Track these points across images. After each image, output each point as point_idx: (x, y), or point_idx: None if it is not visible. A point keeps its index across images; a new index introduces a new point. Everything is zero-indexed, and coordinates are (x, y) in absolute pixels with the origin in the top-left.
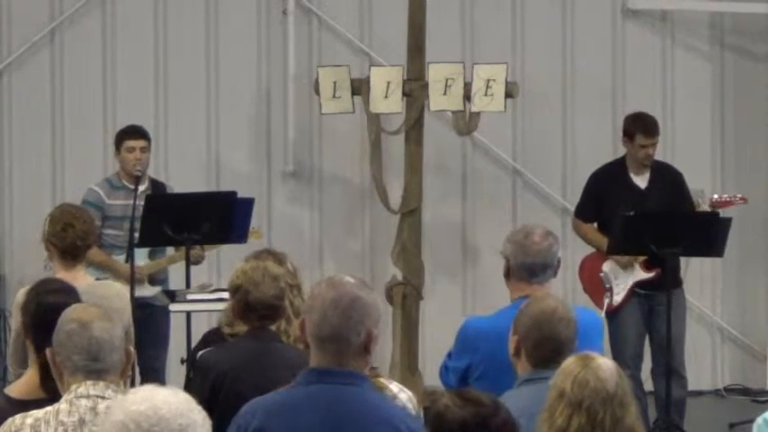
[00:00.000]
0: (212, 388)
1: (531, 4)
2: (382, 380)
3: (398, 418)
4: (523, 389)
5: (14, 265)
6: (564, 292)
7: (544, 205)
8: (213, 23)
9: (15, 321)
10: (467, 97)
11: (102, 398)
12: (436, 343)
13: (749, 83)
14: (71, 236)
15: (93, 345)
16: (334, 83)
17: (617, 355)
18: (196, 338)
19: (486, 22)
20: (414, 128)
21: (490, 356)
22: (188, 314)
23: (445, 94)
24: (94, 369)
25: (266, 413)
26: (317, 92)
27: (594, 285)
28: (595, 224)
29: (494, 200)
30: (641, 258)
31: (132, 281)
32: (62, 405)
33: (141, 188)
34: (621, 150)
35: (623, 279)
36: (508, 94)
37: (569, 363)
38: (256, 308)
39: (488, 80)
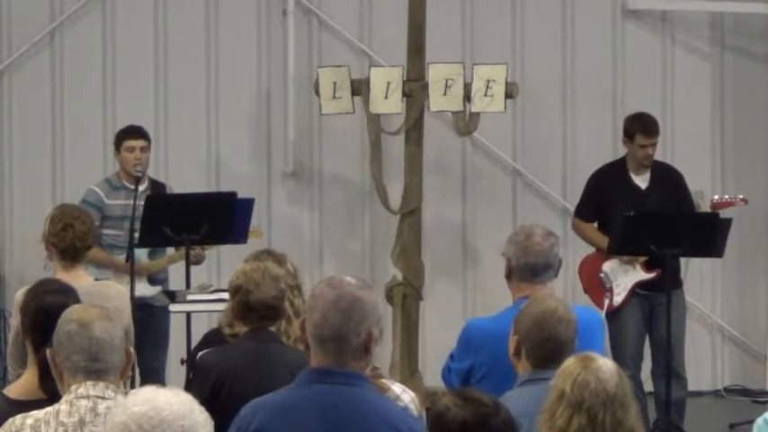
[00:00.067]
0: (212, 389)
1: (531, 4)
2: (384, 381)
3: (399, 419)
4: (524, 389)
5: (14, 265)
6: (564, 292)
7: (544, 205)
8: (213, 23)
9: (14, 321)
10: (467, 98)
11: (103, 398)
12: (436, 344)
13: (749, 83)
14: (71, 236)
15: (93, 345)
16: (334, 83)
17: (617, 356)
18: (196, 339)
19: (486, 23)
20: (414, 128)
21: (493, 358)
22: (188, 314)
23: (445, 94)
24: (94, 369)
25: (266, 414)
26: (317, 92)
27: (594, 285)
28: (595, 224)
29: (494, 200)
30: (642, 259)
31: (132, 281)
32: (62, 406)
33: (141, 188)
34: (621, 150)
35: (623, 279)
36: (508, 95)
37: (569, 363)
38: (256, 308)
39: (488, 80)
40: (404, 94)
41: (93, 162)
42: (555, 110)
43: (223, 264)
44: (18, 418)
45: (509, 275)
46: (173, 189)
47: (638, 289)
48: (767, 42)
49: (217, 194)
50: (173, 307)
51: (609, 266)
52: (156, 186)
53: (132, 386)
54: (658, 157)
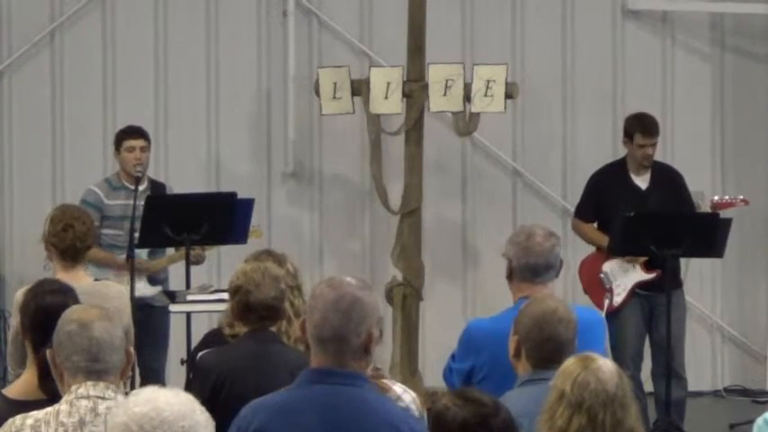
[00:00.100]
0: (213, 389)
1: (531, 5)
2: (386, 381)
3: (400, 419)
4: (524, 389)
5: (14, 265)
6: (564, 292)
7: (544, 206)
8: (213, 24)
9: (14, 321)
10: (467, 98)
11: (103, 398)
12: (436, 344)
13: (749, 83)
14: (70, 236)
15: (93, 345)
16: (335, 83)
17: (617, 356)
18: (196, 339)
19: (486, 23)
20: (414, 128)
21: (494, 358)
22: (188, 314)
23: (445, 94)
24: (95, 370)
25: (266, 414)
26: (318, 93)
27: (594, 286)
28: (595, 224)
29: (494, 200)
30: (642, 259)
31: (132, 281)
32: (62, 406)
33: (140, 188)
34: (621, 151)
35: (623, 280)
36: (508, 95)
37: (569, 364)
38: (256, 309)
39: (488, 81)
40: (404, 95)
41: (93, 162)
42: (555, 110)
43: (223, 264)
44: (18, 419)
45: (510, 276)
46: (173, 189)
47: (638, 289)
48: (767, 43)
49: (217, 194)
50: (173, 307)
51: (609, 267)
52: (156, 186)
53: (132, 386)
54: (658, 157)
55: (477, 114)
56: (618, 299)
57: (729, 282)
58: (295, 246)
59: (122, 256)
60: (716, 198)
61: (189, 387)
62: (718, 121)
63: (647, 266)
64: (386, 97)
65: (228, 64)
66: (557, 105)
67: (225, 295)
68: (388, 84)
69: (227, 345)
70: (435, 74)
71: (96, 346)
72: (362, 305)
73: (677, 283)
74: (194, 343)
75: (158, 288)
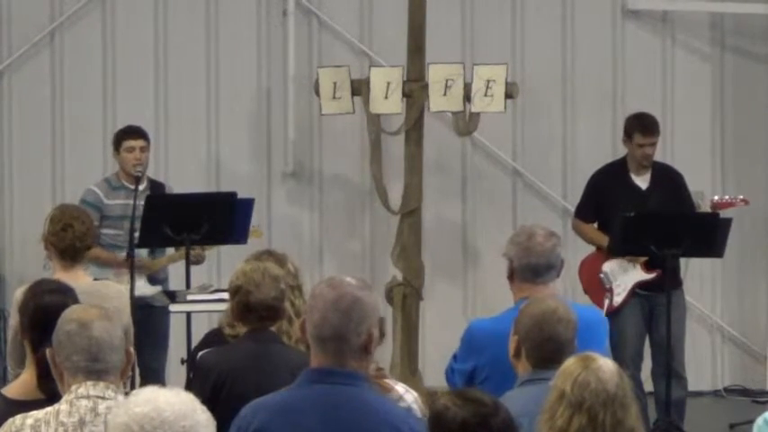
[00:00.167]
0: (213, 389)
1: (531, 4)
2: (388, 381)
3: (400, 419)
4: (523, 389)
5: (14, 265)
6: (564, 292)
7: (544, 206)
8: (213, 24)
9: (13, 321)
10: (467, 98)
11: (103, 398)
12: (436, 344)
13: (749, 83)
14: (70, 236)
15: (93, 345)
16: (334, 83)
17: (617, 356)
18: (196, 339)
19: (486, 23)
20: (414, 128)
21: (495, 359)
22: (188, 314)
23: (445, 94)
24: (95, 369)
25: (267, 414)
26: (317, 92)
27: (594, 286)
28: (595, 224)
29: (494, 200)
30: (642, 259)
31: (132, 281)
32: (62, 406)
33: (140, 188)
34: (621, 151)
35: (623, 280)
36: (508, 95)
37: (570, 364)
38: (256, 309)
39: (488, 81)
40: (404, 95)
41: (93, 162)
42: (555, 110)
43: (223, 264)
44: (18, 418)
45: (511, 276)
46: (173, 189)
47: (638, 289)
48: (767, 43)
49: (217, 194)
50: (173, 307)
51: (609, 267)
52: (155, 186)
53: (132, 386)
54: (658, 157)
55: (477, 114)
56: (618, 299)
57: (729, 282)
58: (295, 246)
59: (123, 255)
60: (716, 198)
61: (189, 387)
62: (718, 121)
63: (647, 266)
64: (386, 97)
65: (228, 64)
66: (557, 105)
67: (225, 295)
68: (388, 84)
69: (228, 344)
70: (435, 74)
71: (96, 346)
72: (362, 305)
73: (677, 283)
74: (194, 343)
75: (158, 288)
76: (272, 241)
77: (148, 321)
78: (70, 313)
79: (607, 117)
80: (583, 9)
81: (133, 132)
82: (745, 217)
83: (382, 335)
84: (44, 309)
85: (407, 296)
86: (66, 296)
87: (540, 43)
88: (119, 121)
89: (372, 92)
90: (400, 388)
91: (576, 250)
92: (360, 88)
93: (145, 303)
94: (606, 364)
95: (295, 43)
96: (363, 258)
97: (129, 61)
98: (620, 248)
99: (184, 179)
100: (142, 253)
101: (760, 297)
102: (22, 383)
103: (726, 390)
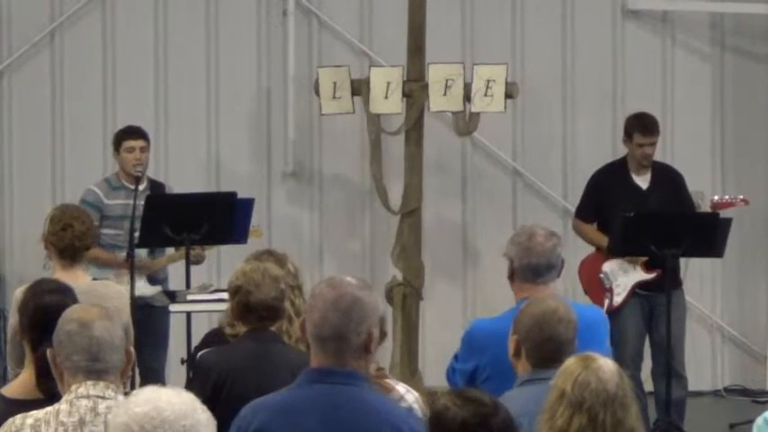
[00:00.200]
0: (213, 388)
1: (531, 4)
2: (389, 381)
3: (400, 419)
4: (523, 389)
5: (14, 265)
6: (564, 292)
7: (544, 206)
8: (213, 23)
9: (12, 320)
10: (467, 98)
11: (103, 398)
12: (436, 344)
13: (749, 83)
14: (69, 236)
15: (93, 345)
16: (334, 83)
17: (617, 356)
18: (196, 339)
19: (486, 22)
20: (414, 128)
21: (496, 359)
22: (188, 314)
23: (445, 94)
24: (95, 369)
25: (267, 414)
26: (317, 92)
27: (594, 286)
28: (595, 224)
29: (494, 200)
30: (642, 259)
31: (132, 281)
32: (62, 405)
33: (140, 188)
34: (621, 150)
35: (623, 280)
36: (508, 95)
37: (570, 363)
38: (256, 309)
39: (488, 81)
40: (404, 95)
41: (93, 162)
42: (555, 110)
43: (223, 264)
44: (18, 418)
45: (511, 276)
46: (172, 189)
47: (638, 289)
48: (767, 43)
49: (217, 194)
50: (173, 307)
51: (609, 267)
52: (155, 186)
53: (132, 386)
54: (658, 157)
55: (477, 114)
56: (618, 299)
57: (729, 282)
58: (295, 246)
59: (123, 255)
60: (716, 198)
61: (189, 386)
62: (718, 121)
63: (647, 266)
64: (386, 97)
65: (228, 64)
66: (557, 105)
67: (225, 295)
68: (388, 84)
69: (228, 344)
70: (435, 74)
71: (96, 346)
72: (362, 305)
73: (677, 283)
74: (194, 343)
75: (158, 288)
76: (272, 241)
77: (148, 321)
78: (71, 313)
79: (607, 117)
80: (583, 9)
81: (133, 132)
82: (745, 217)
83: (384, 334)
84: (44, 308)
85: (407, 296)
86: (66, 296)
87: (540, 43)
88: (119, 121)
89: (372, 92)
90: (401, 388)
91: (576, 250)
92: (360, 88)
93: (145, 303)
94: (606, 364)
95: (295, 43)
96: (363, 258)
97: (129, 61)
98: (620, 248)
99: (184, 179)
100: (142, 253)
101: (760, 297)
102: (21, 383)
103: (726, 390)
